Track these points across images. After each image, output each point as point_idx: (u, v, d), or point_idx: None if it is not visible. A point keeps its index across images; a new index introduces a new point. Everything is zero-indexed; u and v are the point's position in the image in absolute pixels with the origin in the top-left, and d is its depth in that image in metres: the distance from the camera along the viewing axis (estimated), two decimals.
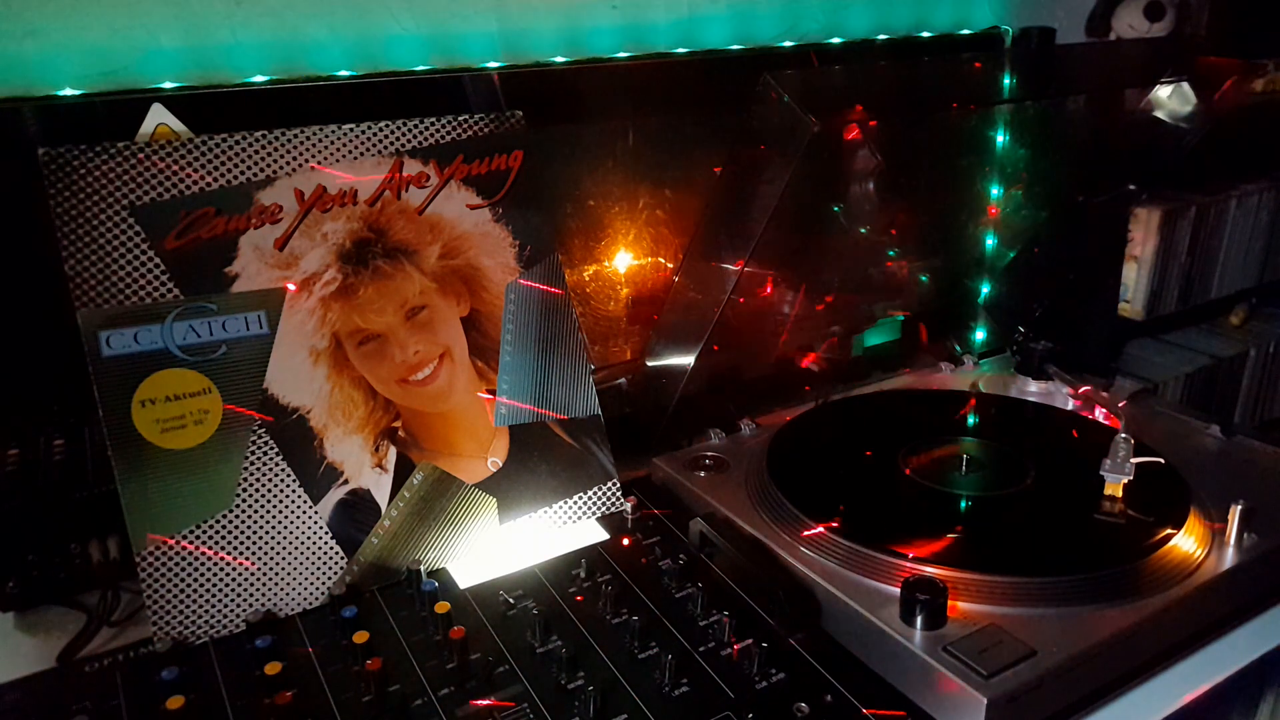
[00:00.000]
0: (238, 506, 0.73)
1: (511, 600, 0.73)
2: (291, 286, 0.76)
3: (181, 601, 0.70)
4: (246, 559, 0.73)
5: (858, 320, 1.15)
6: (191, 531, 0.71)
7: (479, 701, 0.62)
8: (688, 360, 0.95)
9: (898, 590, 0.67)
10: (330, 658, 0.67)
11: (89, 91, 0.76)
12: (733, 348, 1.04)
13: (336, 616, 0.71)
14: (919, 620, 0.65)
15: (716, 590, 0.74)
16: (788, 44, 1.08)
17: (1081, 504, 0.81)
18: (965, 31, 1.21)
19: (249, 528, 0.73)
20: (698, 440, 0.96)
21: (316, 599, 0.74)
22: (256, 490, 0.74)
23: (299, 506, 0.75)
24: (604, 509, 0.86)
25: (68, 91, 0.76)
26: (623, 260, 1.02)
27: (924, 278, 1.20)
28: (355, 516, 0.76)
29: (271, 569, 0.73)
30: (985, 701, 0.59)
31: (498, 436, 0.83)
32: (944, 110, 1.03)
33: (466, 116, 0.83)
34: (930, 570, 0.70)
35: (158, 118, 0.75)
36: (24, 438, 0.76)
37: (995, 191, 1.16)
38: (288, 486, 0.74)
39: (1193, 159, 1.17)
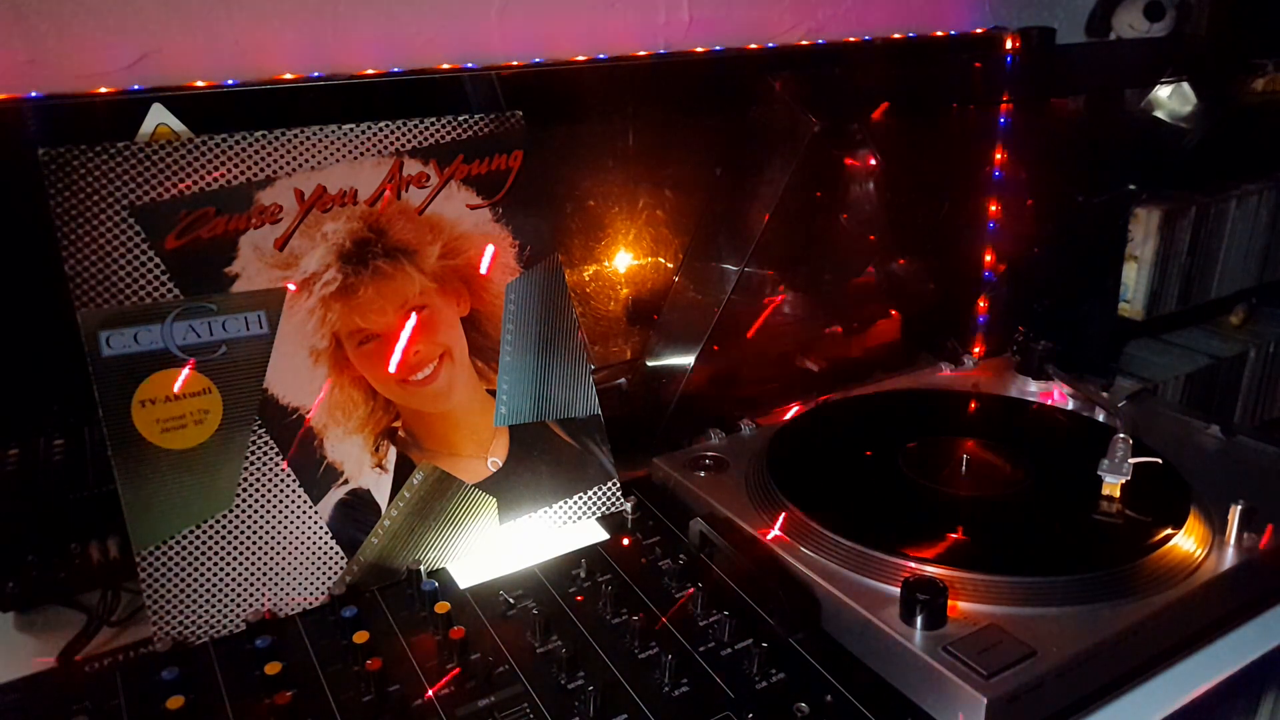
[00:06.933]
0: (238, 506, 0.73)
1: (511, 600, 0.73)
2: (291, 286, 0.76)
3: (181, 601, 0.70)
4: (246, 559, 0.73)
5: (858, 320, 1.15)
6: (191, 531, 0.71)
7: None
8: (688, 360, 0.95)
9: (898, 590, 0.67)
10: (330, 658, 0.67)
11: (89, 91, 0.76)
12: (733, 348, 1.04)
13: (336, 616, 0.71)
14: (919, 620, 0.65)
15: (716, 590, 0.74)
16: (788, 44, 1.08)
17: (1081, 504, 0.81)
18: (965, 31, 1.21)
19: (249, 528, 0.73)
20: (698, 440, 0.96)
21: (316, 599, 0.74)
22: (256, 490, 0.74)
23: (299, 506, 0.75)
24: (604, 509, 0.86)
25: (69, 91, 0.75)
26: (623, 260, 1.02)
27: (924, 277, 1.20)
28: (355, 516, 0.76)
29: (271, 569, 0.73)
30: (985, 701, 0.59)
31: (498, 436, 0.83)
32: (944, 110, 1.03)
33: (466, 116, 0.83)
34: (930, 570, 0.70)
35: (158, 118, 0.75)
36: (24, 438, 0.76)
37: (995, 191, 1.16)
38: (288, 486, 0.75)
39: (1193, 159, 1.18)
